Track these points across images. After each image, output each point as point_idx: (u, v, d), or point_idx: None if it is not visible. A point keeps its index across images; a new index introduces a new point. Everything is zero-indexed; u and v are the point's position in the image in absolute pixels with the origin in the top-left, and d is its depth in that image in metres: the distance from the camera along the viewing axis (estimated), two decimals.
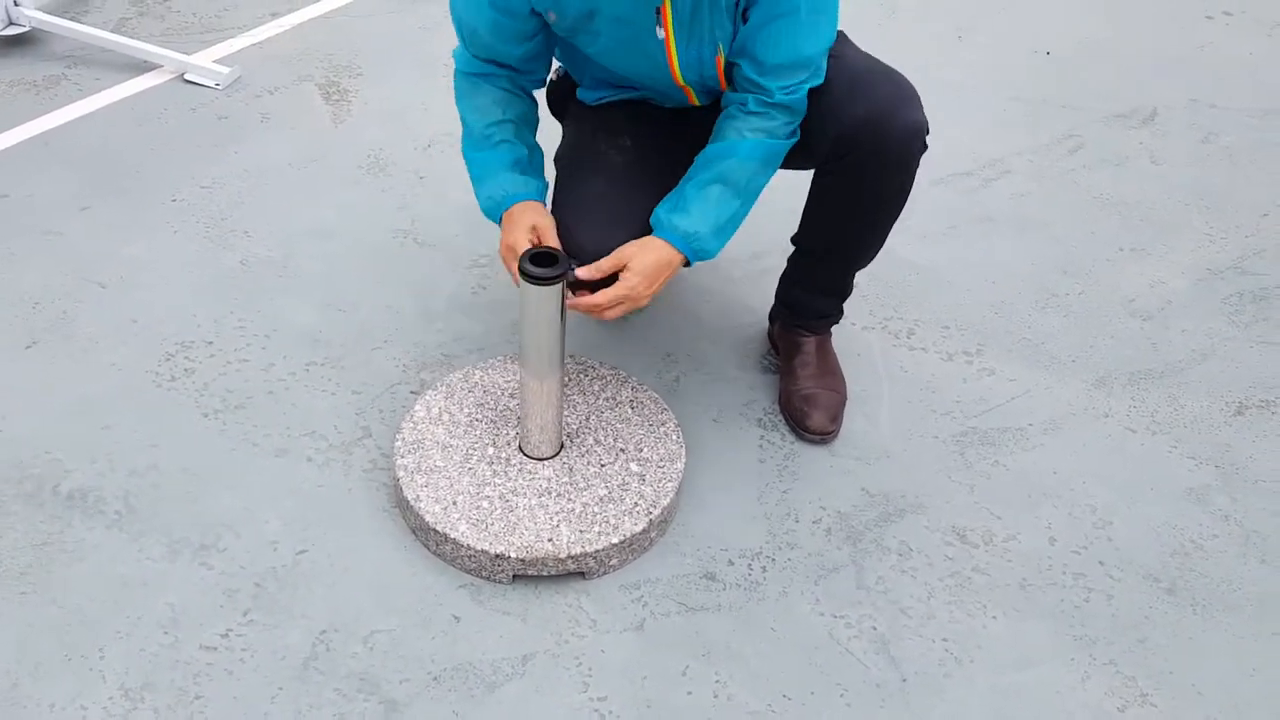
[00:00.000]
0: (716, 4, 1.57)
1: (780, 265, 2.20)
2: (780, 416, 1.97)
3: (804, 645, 1.61)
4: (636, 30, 1.61)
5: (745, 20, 1.61)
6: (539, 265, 1.55)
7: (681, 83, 1.71)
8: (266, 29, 3.15)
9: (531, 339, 1.62)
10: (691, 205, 1.63)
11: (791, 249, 2.00)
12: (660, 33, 1.60)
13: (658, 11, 1.58)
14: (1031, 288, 2.34)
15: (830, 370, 1.98)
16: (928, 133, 1.69)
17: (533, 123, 1.76)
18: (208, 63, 2.91)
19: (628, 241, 1.62)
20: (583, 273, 1.60)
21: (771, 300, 2.12)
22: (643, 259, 1.60)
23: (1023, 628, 1.65)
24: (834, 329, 2.04)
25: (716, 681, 1.56)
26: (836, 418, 1.93)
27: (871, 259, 1.89)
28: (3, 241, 2.28)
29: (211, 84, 2.86)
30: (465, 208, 2.47)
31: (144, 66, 2.90)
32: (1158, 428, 2.01)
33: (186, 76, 2.88)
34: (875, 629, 1.64)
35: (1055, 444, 1.97)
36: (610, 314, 1.61)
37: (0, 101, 2.74)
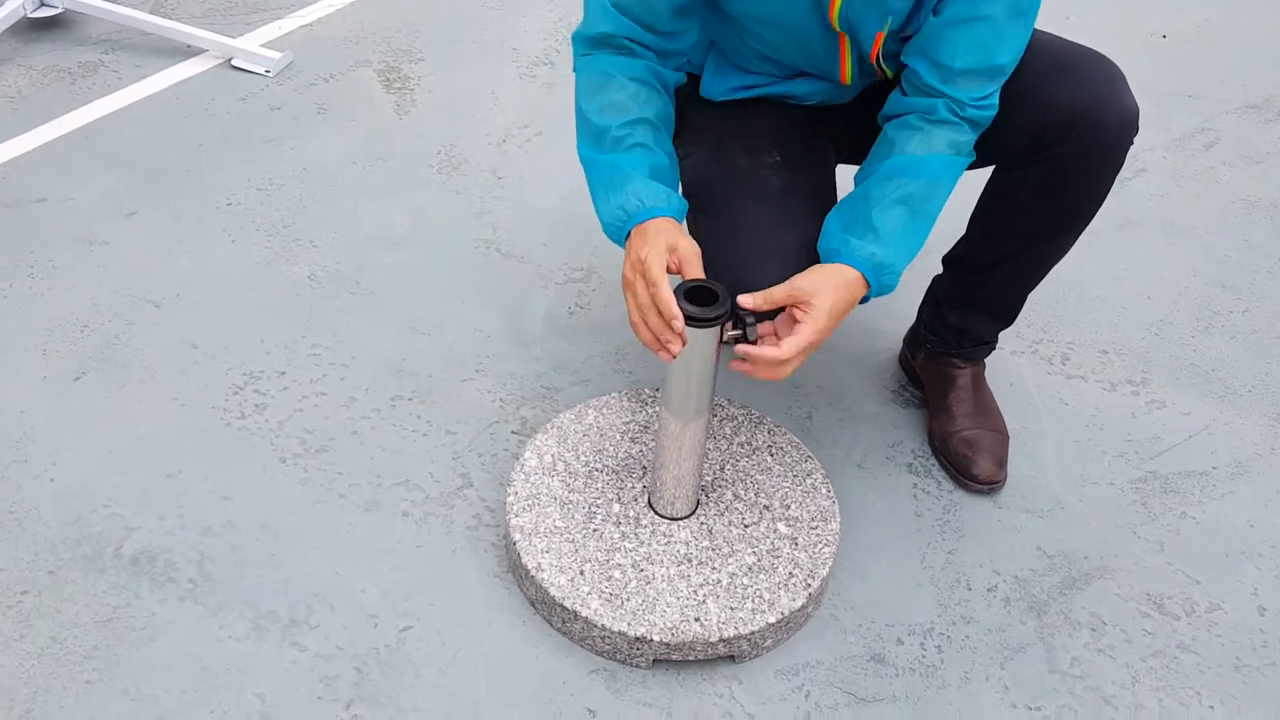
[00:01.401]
0: None
1: (910, 280, 1.97)
2: (934, 461, 1.74)
3: None
4: None
5: (936, 13, 1.36)
6: (696, 303, 1.31)
7: (846, 56, 1.45)
8: (316, 8, 2.89)
9: (680, 381, 1.38)
10: (881, 228, 1.37)
11: (940, 268, 1.76)
12: None
13: None
14: (1190, 303, 2.09)
15: (989, 407, 1.75)
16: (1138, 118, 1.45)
17: (670, 127, 1.48)
18: (256, 47, 2.66)
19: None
20: (748, 300, 1.33)
21: (904, 320, 1.89)
22: (829, 295, 1.33)
23: (1247, 719, 1.43)
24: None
25: None
26: (1003, 462, 1.69)
27: (1049, 271, 1.65)
28: (43, 252, 2.05)
29: (262, 70, 2.62)
30: (550, 212, 2.24)
31: (187, 51, 2.65)
32: None
33: (234, 62, 2.63)
34: None
35: (1245, 491, 1.73)
36: (790, 368, 1.34)
37: (34, 91, 2.49)
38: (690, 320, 1.29)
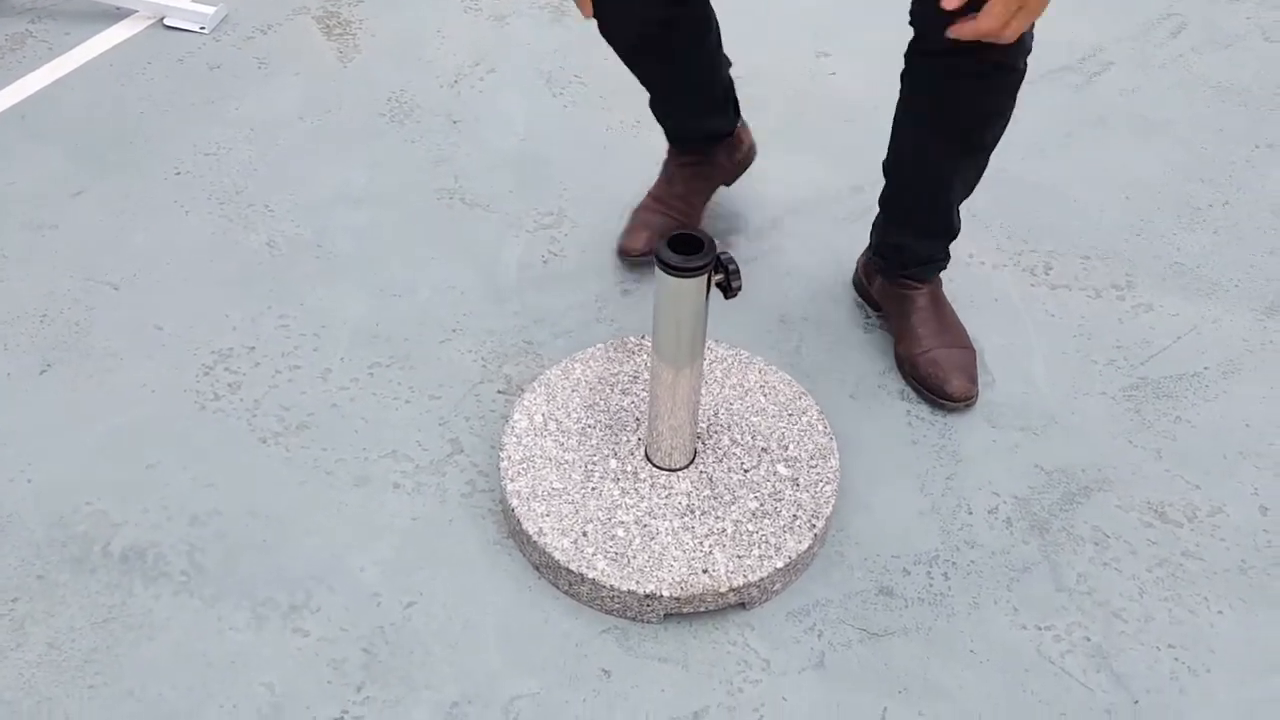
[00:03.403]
0: None
1: (870, 204, 1.94)
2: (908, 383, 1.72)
3: (1012, 668, 1.39)
4: None
5: None
6: (681, 252, 1.27)
7: None
8: None
9: (669, 330, 1.35)
10: None
11: (883, 182, 1.72)
12: None
13: None
14: (1169, 201, 2.07)
15: (951, 323, 1.72)
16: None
17: None
18: (188, 2, 2.54)
19: None
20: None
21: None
22: None
23: (1256, 622, 1.44)
24: (954, 272, 1.77)
25: None
26: (975, 378, 1.68)
27: (969, 192, 1.64)
28: None
29: (196, 27, 2.51)
30: (512, 155, 2.17)
31: (117, 14, 2.53)
32: None
33: (166, 21, 2.52)
34: (1089, 640, 1.41)
35: (1239, 389, 1.73)
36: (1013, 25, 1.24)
37: None
38: (677, 270, 1.25)
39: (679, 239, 1.28)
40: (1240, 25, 2.53)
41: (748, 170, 1.98)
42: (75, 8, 2.54)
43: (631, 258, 1.89)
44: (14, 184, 2.08)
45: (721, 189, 1.98)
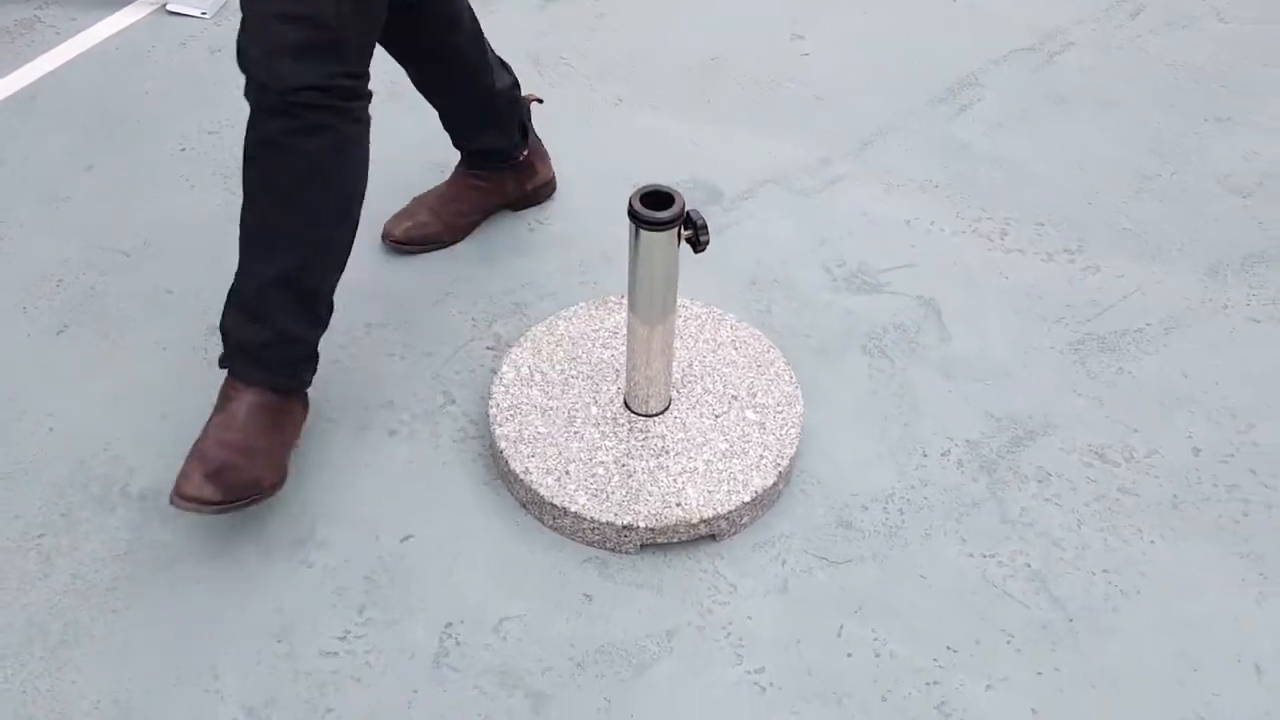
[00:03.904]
0: None
1: (855, 171, 2.05)
2: (886, 342, 1.84)
3: (958, 591, 1.51)
4: None
5: None
6: (652, 207, 1.39)
7: None
8: None
9: (644, 286, 1.47)
10: None
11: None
12: None
13: None
14: (1122, 172, 2.19)
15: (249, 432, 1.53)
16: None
17: None
18: None
19: None
20: None
21: (847, 210, 1.97)
22: None
23: (1184, 550, 1.56)
24: (916, 238, 1.88)
25: (875, 639, 1.46)
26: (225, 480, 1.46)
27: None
28: (9, 213, 2.08)
29: (198, 12, 2.62)
30: None
31: None
32: None
33: (169, 6, 2.63)
34: (1029, 566, 1.54)
35: (1178, 343, 1.85)
36: None
37: None
38: (648, 224, 1.37)
39: (651, 195, 1.39)
40: (1196, 7, 2.66)
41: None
42: None
43: (388, 242, 1.98)
44: (28, 160, 2.20)
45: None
